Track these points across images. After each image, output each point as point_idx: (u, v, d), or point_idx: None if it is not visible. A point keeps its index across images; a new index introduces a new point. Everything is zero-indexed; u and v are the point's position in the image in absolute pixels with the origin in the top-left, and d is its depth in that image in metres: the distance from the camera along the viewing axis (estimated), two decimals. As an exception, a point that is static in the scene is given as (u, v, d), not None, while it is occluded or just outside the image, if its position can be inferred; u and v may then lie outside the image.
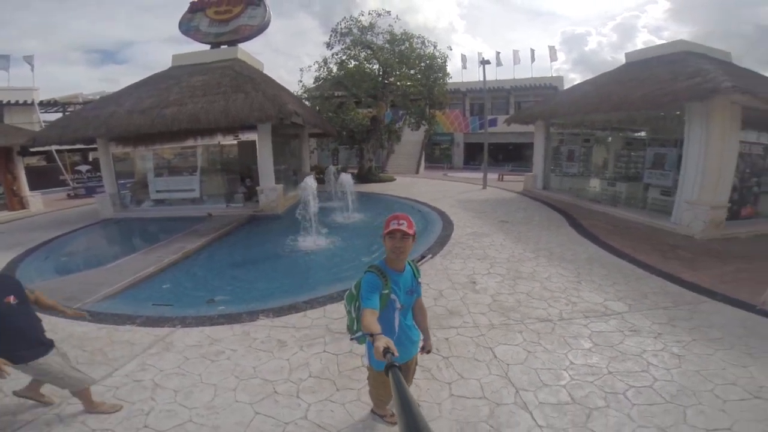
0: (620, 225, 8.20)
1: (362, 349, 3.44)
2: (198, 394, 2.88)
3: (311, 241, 7.58)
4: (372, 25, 16.04)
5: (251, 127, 10.47)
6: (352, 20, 16.18)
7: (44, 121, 18.02)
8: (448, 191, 13.72)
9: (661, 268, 5.45)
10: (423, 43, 16.40)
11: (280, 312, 4.31)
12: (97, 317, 4.24)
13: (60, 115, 19.01)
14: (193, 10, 13.23)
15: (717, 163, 7.12)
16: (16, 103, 18.33)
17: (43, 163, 19.42)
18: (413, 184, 16.04)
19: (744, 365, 3.06)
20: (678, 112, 8.15)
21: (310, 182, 8.18)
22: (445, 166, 27.98)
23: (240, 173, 12.27)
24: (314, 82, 17.45)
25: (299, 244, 7.54)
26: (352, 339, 1.85)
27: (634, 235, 7.43)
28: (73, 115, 12.06)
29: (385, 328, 1.62)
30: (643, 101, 7.77)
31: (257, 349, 3.52)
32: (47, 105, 20.71)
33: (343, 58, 16.36)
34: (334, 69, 16.58)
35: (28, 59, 19.19)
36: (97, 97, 18.72)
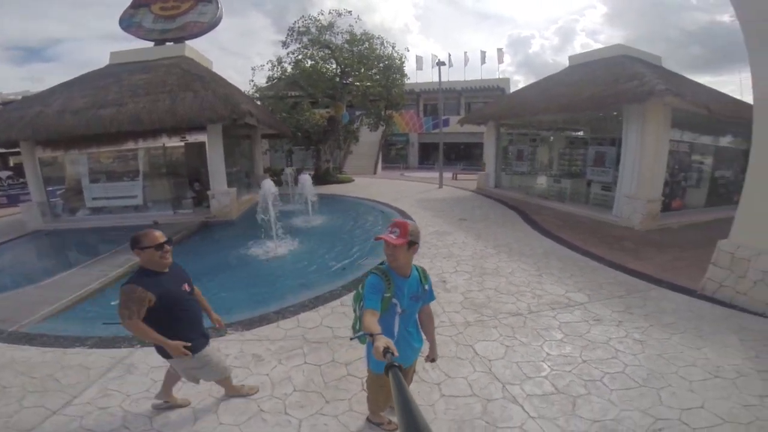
0: (569, 219, 8.77)
1: (346, 357, 3.36)
2: (176, 419, 2.63)
3: (272, 247, 7.28)
4: (331, 25, 15.76)
5: (200, 128, 9.84)
6: (310, 19, 15.81)
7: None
8: (406, 191, 13.91)
9: (610, 259, 5.90)
10: (382, 43, 16.43)
11: (250, 324, 4.06)
12: (39, 340, 3.74)
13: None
14: (136, 5, 12.19)
15: (652, 159, 7.85)
16: None
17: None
18: (372, 185, 16.05)
19: (698, 347, 3.39)
20: (615, 113, 8.88)
21: (268, 185, 7.84)
22: (402, 166, 28.41)
23: (188, 177, 11.49)
24: (267, 82, 16.86)
25: (260, 251, 7.20)
26: (352, 339, 1.81)
27: (582, 228, 7.99)
28: (-11, 116, 10.57)
29: (384, 332, 1.60)
30: (589, 103, 8.37)
31: (232, 366, 3.28)
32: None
33: (300, 57, 15.93)
34: (289, 68, 16.11)
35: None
36: (20, 97, 16.83)
